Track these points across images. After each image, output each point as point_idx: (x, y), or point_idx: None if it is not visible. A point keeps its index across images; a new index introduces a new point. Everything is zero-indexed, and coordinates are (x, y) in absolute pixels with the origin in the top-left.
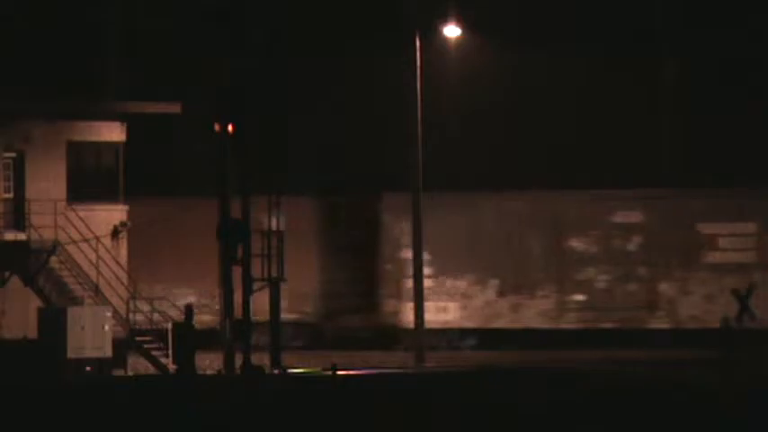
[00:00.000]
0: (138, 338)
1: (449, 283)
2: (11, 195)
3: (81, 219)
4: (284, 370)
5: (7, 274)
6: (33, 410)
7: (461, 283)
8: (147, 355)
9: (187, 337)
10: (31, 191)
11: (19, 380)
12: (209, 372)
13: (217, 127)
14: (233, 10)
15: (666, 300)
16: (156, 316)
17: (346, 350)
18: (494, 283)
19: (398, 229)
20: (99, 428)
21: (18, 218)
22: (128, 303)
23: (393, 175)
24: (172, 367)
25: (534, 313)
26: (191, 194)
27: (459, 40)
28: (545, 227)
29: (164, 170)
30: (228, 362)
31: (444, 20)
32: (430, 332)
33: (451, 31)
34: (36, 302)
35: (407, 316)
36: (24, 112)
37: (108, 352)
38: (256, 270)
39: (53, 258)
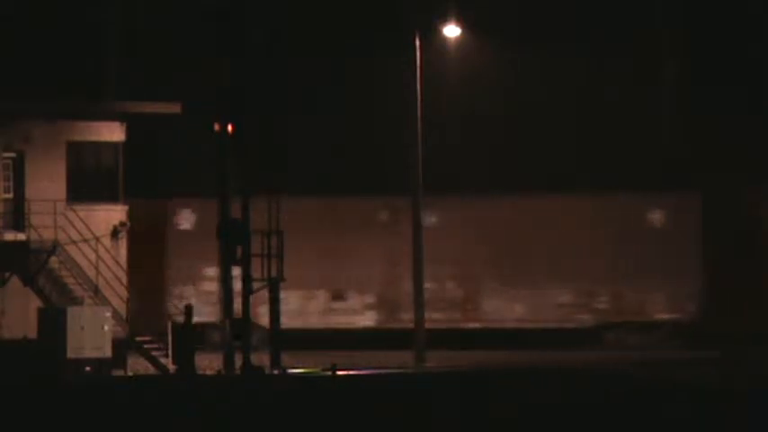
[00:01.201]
0: (137, 338)
1: None
2: (11, 195)
3: (81, 219)
4: (284, 370)
5: (7, 274)
6: (33, 410)
7: None
8: (147, 355)
9: (187, 337)
10: (30, 191)
11: (19, 380)
12: (209, 372)
13: (217, 127)
14: (233, 10)
15: None
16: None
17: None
18: None
19: None
20: (99, 428)
21: (18, 218)
22: (128, 303)
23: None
24: (172, 367)
25: None
26: (191, 194)
27: (459, 40)
28: None
29: (164, 170)
30: (228, 362)
31: (444, 20)
32: None
33: (451, 31)
34: (36, 302)
35: None
36: (24, 112)
37: (108, 352)
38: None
39: (53, 258)
